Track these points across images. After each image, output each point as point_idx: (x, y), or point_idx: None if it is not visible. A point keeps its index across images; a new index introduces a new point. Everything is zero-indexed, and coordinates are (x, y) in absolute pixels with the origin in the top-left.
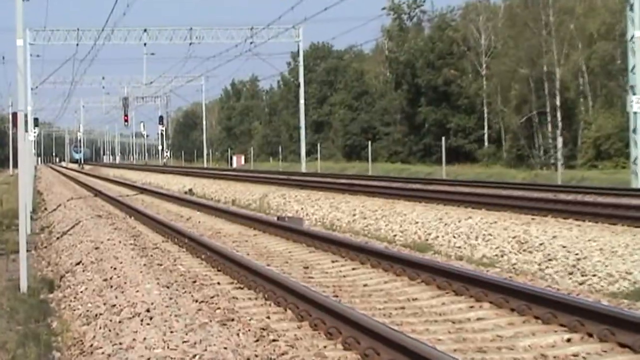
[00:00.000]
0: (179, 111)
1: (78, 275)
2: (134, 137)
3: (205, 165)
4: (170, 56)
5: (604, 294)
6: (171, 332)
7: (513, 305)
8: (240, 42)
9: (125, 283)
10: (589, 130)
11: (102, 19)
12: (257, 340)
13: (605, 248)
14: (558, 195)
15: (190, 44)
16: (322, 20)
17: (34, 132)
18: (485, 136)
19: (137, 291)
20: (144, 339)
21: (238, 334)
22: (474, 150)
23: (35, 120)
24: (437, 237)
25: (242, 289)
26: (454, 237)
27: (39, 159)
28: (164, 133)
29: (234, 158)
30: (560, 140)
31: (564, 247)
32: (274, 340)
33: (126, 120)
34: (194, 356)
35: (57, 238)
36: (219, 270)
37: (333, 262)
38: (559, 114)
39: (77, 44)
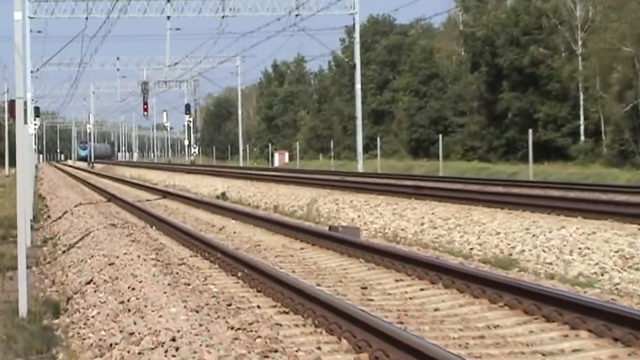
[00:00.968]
0: (209, 98)
1: (89, 297)
2: (154, 130)
3: (241, 164)
4: (199, 32)
5: None
6: None
7: (616, 334)
8: (283, 14)
9: (145, 306)
10: None
11: None
12: None
13: None
14: None
15: (223, 17)
16: None
17: (35, 124)
18: (581, 129)
19: (160, 316)
20: None
21: None
22: (567, 146)
23: (36, 109)
24: (523, 250)
25: (287, 313)
26: (544, 251)
27: (41, 156)
28: (191, 125)
29: (276, 155)
30: None
31: None
32: None
33: (145, 110)
34: None
35: (63, 252)
36: (258, 291)
37: (397, 281)
38: None
39: (87, 18)
